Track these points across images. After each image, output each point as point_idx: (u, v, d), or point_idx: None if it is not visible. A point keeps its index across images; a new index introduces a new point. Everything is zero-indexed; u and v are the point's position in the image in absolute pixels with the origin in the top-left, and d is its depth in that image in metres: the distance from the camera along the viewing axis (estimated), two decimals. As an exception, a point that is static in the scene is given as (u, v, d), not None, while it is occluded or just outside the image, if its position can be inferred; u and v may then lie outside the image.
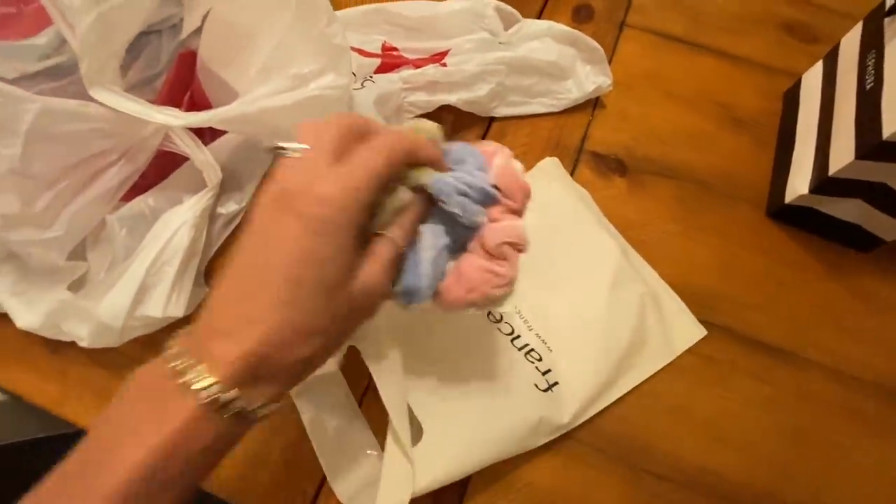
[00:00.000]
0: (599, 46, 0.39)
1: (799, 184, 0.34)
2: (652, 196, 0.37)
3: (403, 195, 0.21)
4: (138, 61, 0.39)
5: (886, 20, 0.32)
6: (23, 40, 0.35)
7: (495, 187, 0.23)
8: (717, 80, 0.43)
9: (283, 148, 0.20)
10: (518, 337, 0.30)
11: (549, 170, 0.37)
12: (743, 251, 0.35)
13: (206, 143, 0.33)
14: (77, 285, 0.31)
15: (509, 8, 0.41)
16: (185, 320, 0.30)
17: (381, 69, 0.37)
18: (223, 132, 0.33)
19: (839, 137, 0.32)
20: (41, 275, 0.30)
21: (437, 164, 0.22)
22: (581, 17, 0.46)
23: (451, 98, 0.37)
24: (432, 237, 0.22)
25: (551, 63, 0.39)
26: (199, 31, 0.36)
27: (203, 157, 0.31)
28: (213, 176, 0.31)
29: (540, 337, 0.30)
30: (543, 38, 0.40)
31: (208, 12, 0.34)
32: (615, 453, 0.29)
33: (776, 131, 0.40)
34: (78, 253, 0.31)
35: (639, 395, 0.31)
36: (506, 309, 0.29)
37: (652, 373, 0.31)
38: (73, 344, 0.29)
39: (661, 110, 0.41)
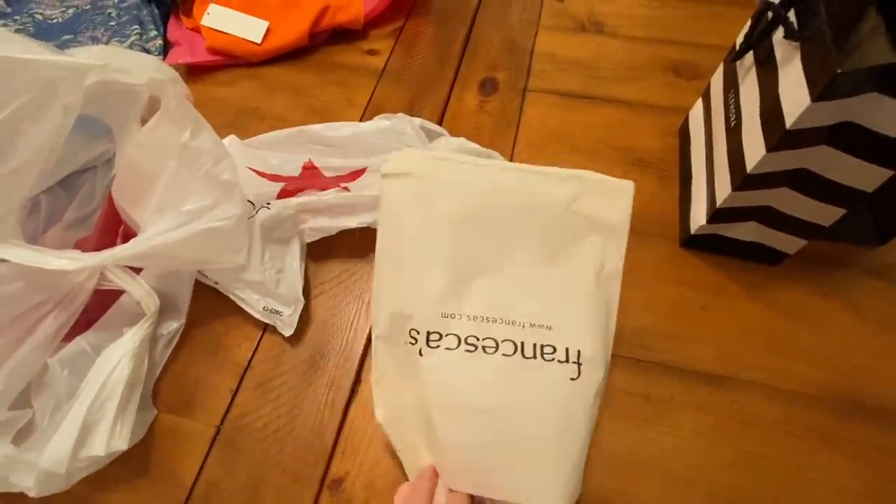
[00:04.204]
0: (501, 156, 0.41)
1: (699, 215, 0.37)
2: (572, 246, 0.39)
3: None
4: (75, 200, 0.41)
5: (738, 62, 0.36)
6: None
7: None
8: (617, 127, 0.46)
9: None
10: (520, 346, 0.26)
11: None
12: (664, 285, 0.37)
13: (138, 272, 0.35)
14: (25, 432, 0.31)
15: (434, 126, 0.43)
16: (132, 451, 0.31)
17: (282, 195, 0.37)
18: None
19: (720, 171, 0.35)
20: (-14, 430, 0.30)
21: None
22: (487, 89, 0.50)
23: (352, 222, 0.36)
24: None
25: None
26: (129, 166, 0.38)
27: (139, 289, 0.33)
28: (152, 304, 0.33)
29: (534, 325, 0.27)
30: (457, 152, 0.40)
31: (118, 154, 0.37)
32: (570, 512, 0.30)
33: (675, 166, 0.43)
34: (23, 399, 0.32)
35: (586, 447, 0.31)
36: None
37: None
38: (23, 494, 0.29)
39: (570, 164, 0.43)
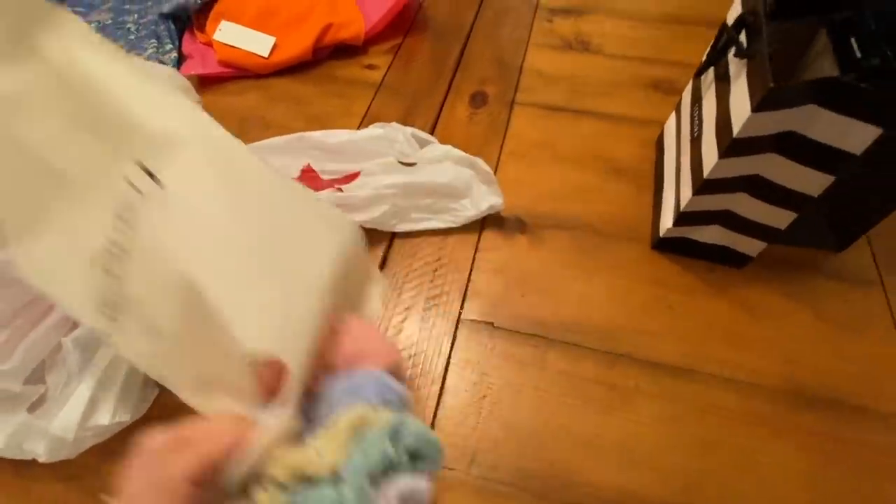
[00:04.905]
0: (491, 170, 0.43)
1: (667, 219, 0.39)
2: (551, 247, 0.42)
3: None
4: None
5: (702, 77, 0.39)
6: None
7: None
8: (598, 137, 0.49)
9: None
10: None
11: None
12: (635, 284, 0.40)
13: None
14: (37, 405, 0.34)
15: (424, 134, 0.46)
16: (135, 425, 0.33)
17: None
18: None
19: (684, 178, 0.37)
20: (1, 401, 0.33)
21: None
22: (477, 102, 0.53)
23: None
24: None
25: (445, 185, 0.42)
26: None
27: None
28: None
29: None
30: (443, 161, 0.43)
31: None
32: (537, 490, 0.32)
33: (651, 175, 0.46)
34: (37, 375, 0.35)
35: (554, 430, 0.34)
36: None
37: None
38: (34, 462, 0.32)
39: (551, 171, 0.47)
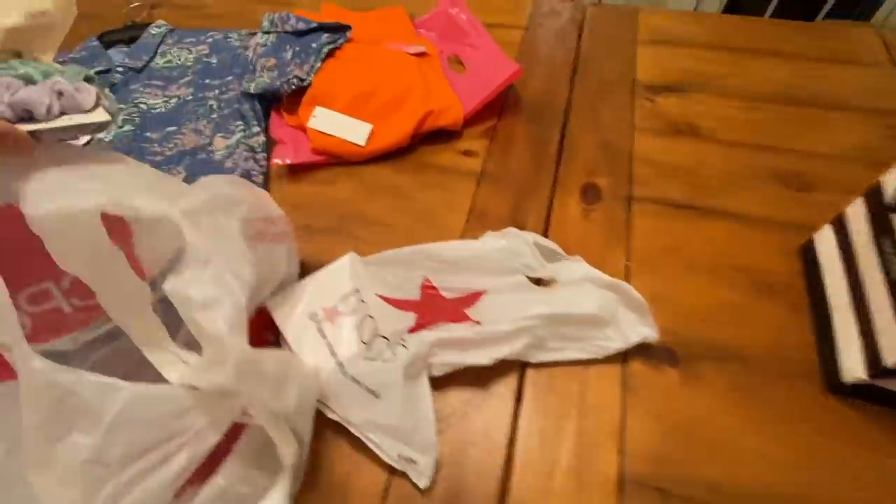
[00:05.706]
0: (643, 299, 0.38)
1: (854, 366, 0.34)
2: (708, 386, 0.37)
3: None
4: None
5: (893, 216, 0.34)
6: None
7: None
8: (732, 243, 0.44)
9: None
10: None
11: None
12: (815, 438, 0.35)
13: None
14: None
15: (546, 242, 0.43)
16: None
17: (415, 328, 0.37)
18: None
19: (883, 325, 0.33)
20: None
21: None
22: (589, 197, 0.49)
23: (483, 358, 0.35)
24: None
25: (592, 315, 0.37)
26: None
27: (279, 432, 0.31)
28: (290, 454, 0.31)
29: None
30: (583, 283, 0.39)
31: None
32: None
33: (804, 292, 0.41)
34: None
35: None
36: None
37: None
38: None
39: (688, 286, 0.42)
